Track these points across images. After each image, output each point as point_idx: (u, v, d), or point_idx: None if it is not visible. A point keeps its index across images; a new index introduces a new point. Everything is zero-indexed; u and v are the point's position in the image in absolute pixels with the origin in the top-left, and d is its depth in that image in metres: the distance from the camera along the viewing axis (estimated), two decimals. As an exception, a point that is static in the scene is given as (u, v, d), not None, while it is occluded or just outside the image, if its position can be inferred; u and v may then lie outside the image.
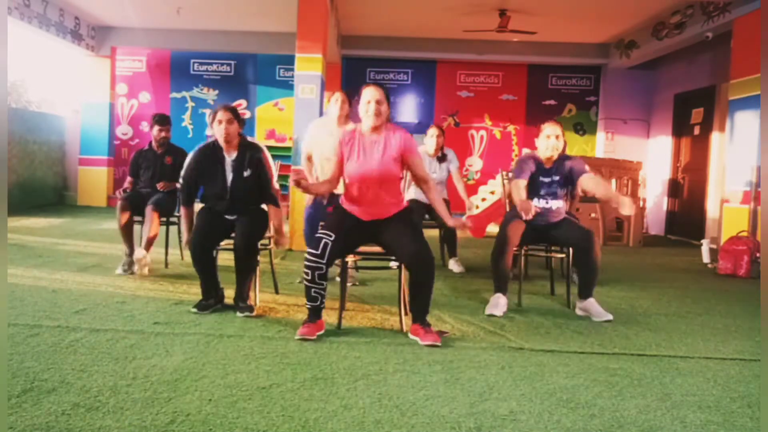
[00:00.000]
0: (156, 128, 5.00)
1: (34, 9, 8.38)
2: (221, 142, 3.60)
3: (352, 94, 4.25)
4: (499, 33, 8.82)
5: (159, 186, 4.85)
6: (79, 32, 9.82)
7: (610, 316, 3.66)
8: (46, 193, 10.30)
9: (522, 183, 3.90)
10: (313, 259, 3.08)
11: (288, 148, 7.88)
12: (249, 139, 3.75)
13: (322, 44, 6.67)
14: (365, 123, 3.21)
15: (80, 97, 10.81)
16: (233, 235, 3.58)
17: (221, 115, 3.56)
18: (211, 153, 3.64)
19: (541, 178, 3.92)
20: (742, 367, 2.86)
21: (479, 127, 11.07)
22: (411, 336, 3.12)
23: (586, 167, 3.93)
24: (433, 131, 5.47)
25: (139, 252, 4.55)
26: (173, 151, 5.06)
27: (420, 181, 3.32)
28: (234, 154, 3.63)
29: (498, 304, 3.74)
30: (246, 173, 3.60)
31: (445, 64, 10.91)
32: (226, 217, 3.66)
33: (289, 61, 9.06)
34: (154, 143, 5.04)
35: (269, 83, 10.96)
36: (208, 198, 3.69)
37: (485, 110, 11.03)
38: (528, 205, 3.64)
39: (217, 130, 3.57)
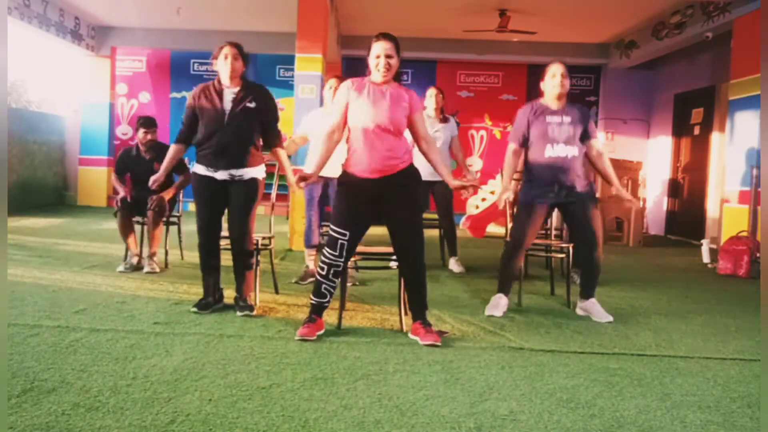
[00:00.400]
0: (141, 131, 4.92)
1: (34, 9, 8.38)
2: (225, 78, 3.47)
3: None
4: (499, 33, 8.82)
5: (152, 202, 4.71)
6: (79, 32, 9.82)
7: (610, 318, 3.65)
8: (46, 193, 10.29)
9: (513, 147, 3.76)
10: (332, 257, 3.09)
11: (288, 148, 7.87)
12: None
13: (322, 44, 6.67)
14: (374, 76, 3.17)
15: (80, 97, 10.81)
16: (229, 235, 3.55)
17: (227, 50, 3.46)
18: (208, 89, 3.52)
19: (549, 119, 3.65)
20: (742, 367, 2.86)
21: (479, 127, 11.07)
22: (411, 336, 3.12)
23: (597, 132, 3.76)
24: (431, 91, 5.33)
25: (148, 268, 4.64)
26: (162, 154, 4.95)
27: (421, 140, 3.24)
28: (235, 89, 3.48)
29: (498, 304, 3.74)
30: (251, 105, 3.44)
31: (445, 64, 10.90)
32: (218, 177, 3.45)
33: (289, 61, 9.05)
34: (141, 146, 4.96)
35: (269, 83, 10.86)
36: (203, 134, 3.44)
37: (485, 110, 11.03)
38: (503, 196, 3.71)
39: (222, 65, 3.46)
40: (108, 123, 10.58)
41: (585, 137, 3.72)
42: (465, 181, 3.31)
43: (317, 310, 3.17)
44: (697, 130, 9.17)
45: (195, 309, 3.50)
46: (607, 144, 10.62)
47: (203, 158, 3.48)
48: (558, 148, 3.61)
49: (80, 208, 10.15)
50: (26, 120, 9.72)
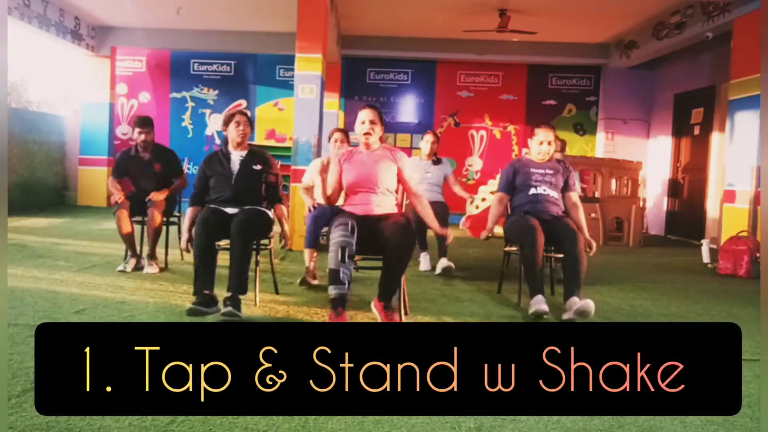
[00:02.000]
0: (136, 131, 4.92)
1: (34, 9, 8.39)
2: (234, 143, 3.81)
3: (348, 133, 4.89)
4: (499, 33, 8.83)
5: (152, 197, 4.72)
6: (79, 32, 9.82)
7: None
8: (46, 193, 10.30)
9: (499, 196, 4.13)
10: (342, 236, 3.17)
11: (288, 148, 7.87)
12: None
13: (322, 44, 6.67)
14: (360, 140, 3.55)
15: (80, 97, 10.81)
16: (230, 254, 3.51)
17: (239, 117, 3.82)
18: (216, 156, 3.86)
19: (533, 170, 4.02)
20: (742, 367, 2.85)
21: (479, 127, 11.08)
22: (373, 308, 3.33)
23: (578, 186, 4.14)
24: (428, 137, 5.67)
25: (149, 268, 4.65)
26: (161, 156, 4.96)
27: (411, 195, 3.64)
28: (242, 153, 3.82)
29: (541, 301, 3.63)
30: (256, 167, 3.78)
31: (445, 64, 10.91)
32: (228, 211, 3.63)
33: (289, 61, 9.06)
34: (139, 147, 4.95)
35: (269, 83, 10.96)
36: (214, 190, 3.75)
37: (485, 110, 11.03)
38: (484, 235, 4.05)
39: (234, 131, 3.80)
40: (108, 123, 10.57)
41: (564, 189, 4.04)
42: (445, 233, 3.67)
43: (340, 301, 3.15)
44: (697, 130, 9.17)
45: (190, 314, 3.36)
46: (607, 144, 10.64)
47: (214, 203, 3.73)
48: (541, 188, 3.97)
49: (80, 208, 10.15)
50: (26, 120, 9.72)
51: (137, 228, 4.85)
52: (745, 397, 2.45)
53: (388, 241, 3.24)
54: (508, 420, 2.13)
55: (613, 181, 8.21)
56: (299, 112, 6.59)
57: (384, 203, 3.49)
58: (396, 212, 3.52)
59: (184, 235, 3.68)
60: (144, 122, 4.96)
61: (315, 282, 4.37)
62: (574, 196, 4.07)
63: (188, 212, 3.78)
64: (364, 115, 3.53)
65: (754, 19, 6.43)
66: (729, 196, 6.85)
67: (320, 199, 4.45)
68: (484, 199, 8.20)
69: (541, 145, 4.00)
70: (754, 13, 6.51)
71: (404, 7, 8.47)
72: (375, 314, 3.41)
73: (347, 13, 8.85)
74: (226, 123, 3.84)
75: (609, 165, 8.31)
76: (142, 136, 4.91)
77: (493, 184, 8.18)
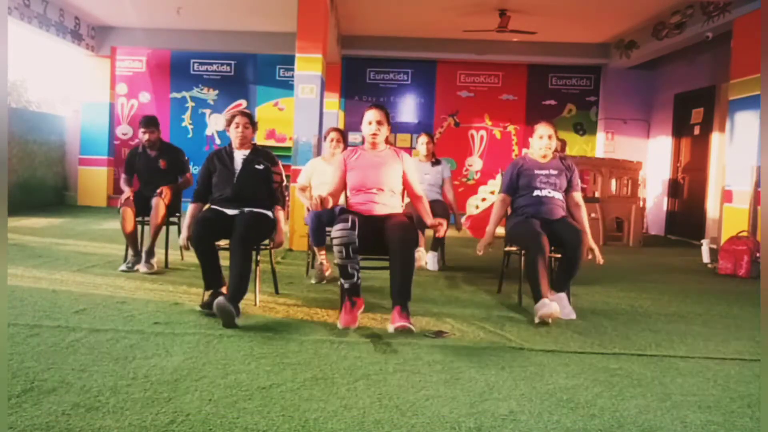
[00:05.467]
0: (141, 131, 4.95)
1: (34, 9, 8.38)
2: (236, 144, 3.80)
3: (345, 134, 4.89)
4: (499, 33, 8.82)
5: (160, 192, 4.74)
6: (79, 32, 9.82)
7: (573, 316, 3.66)
8: (46, 193, 10.29)
9: (501, 197, 4.11)
10: (345, 232, 3.18)
11: (288, 148, 7.87)
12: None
13: (322, 44, 6.67)
14: (366, 140, 3.56)
15: (80, 97, 10.81)
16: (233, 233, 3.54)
17: (239, 119, 3.79)
18: (220, 152, 3.85)
19: (537, 171, 3.98)
20: (742, 367, 2.86)
21: (479, 127, 11.07)
22: (390, 326, 3.17)
23: (580, 185, 4.10)
24: (423, 139, 5.76)
25: (143, 267, 4.64)
26: (167, 153, 5.02)
27: (413, 196, 3.66)
28: (245, 152, 3.81)
29: (550, 305, 3.49)
30: (259, 167, 3.77)
31: (445, 64, 10.90)
32: (229, 212, 3.64)
33: (289, 61, 9.06)
34: (145, 145, 4.99)
35: (269, 83, 10.96)
36: (216, 188, 3.75)
37: (485, 110, 11.03)
38: (485, 242, 3.97)
39: (233, 133, 3.79)
40: (108, 123, 10.57)
41: (568, 189, 4.02)
42: (436, 221, 3.52)
43: (353, 290, 3.28)
44: (697, 130, 9.17)
45: (200, 309, 3.46)
46: (607, 144, 10.64)
47: (216, 203, 3.74)
48: (544, 191, 3.95)
49: (80, 208, 10.15)
50: (26, 120, 9.72)
51: (139, 228, 4.87)
52: (745, 397, 2.45)
53: (391, 241, 3.24)
54: (508, 420, 2.14)
55: (613, 181, 8.20)
56: (299, 112, 6.59)
57: (389, 203, 3.50)
58: (399, 212, 3.52)
59: (184, 232, 3.68)
60: (148, 122, 4.98)
61: (329, 273, 4.62)
62: (578, 196, 4.04)
63: (189, 208, 3.78)
64: (371, 115, 3.51)
65: (754, 19, 6.43)
66: (729, 196, 6.85)
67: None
68: (484, 199, 8.22)
69: (541, 140, 3.97)
70: (754, 13, 6.51)
71: (404, 7, 8.47)
72: (392, 327, 3.15)
73: (347, 13, 8.85)
74: (228, 124, 3.84)
75: (609, 165, 8.31)
76: (146, 136, 4.94)
77: (493, 184, 8.19)
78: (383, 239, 3.31)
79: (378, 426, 2.05)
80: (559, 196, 3.95)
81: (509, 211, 4.18)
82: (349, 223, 3.21)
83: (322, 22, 6.72)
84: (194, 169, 9.97)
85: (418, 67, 10.91)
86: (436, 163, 5.70)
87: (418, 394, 2.35)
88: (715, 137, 8.57)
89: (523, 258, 3.84)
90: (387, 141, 3.62)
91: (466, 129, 11.06)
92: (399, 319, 3.13)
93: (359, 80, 10.89)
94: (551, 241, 3.75)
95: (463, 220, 8.24)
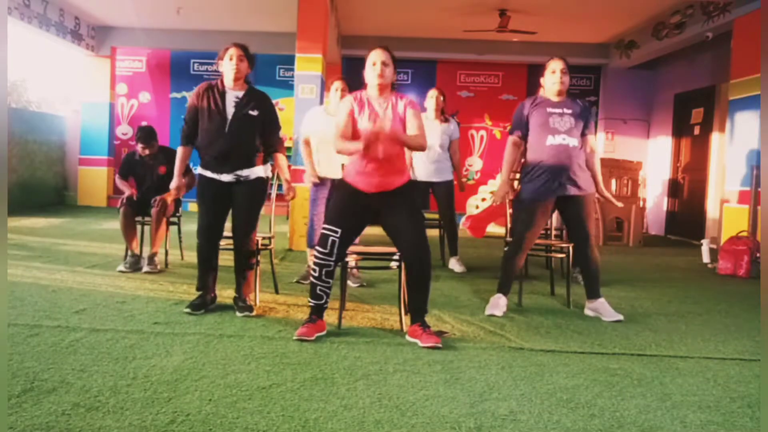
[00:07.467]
0: (139, 146, 4.87)
1: (34, 9, 8.38)
2: (229, 79, 3.43)
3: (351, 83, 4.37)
4: (499, 33, 8.83)
5: (156, 202, 4.69)
6: (79, 32, 9.82)
7: (620, 317, 3.63)
8: (46, 193, 10.30)
9: (512, 139, 3.80)
10: (322, 257, 3.09)
11: (288, 148, 7.87)
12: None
13: (322, 44, 6.67)
14: (371, 84, 3.21)
15: (80, 97, 10.82)
16: (233, 234, 3.56)
17: (233, 51, 3.43)
18: (212, 88, 3.47)
19: (549, 110, 3.68)
20: (742, 367, 2.86)
21: (479, 127, 11.07)
22: (409, 338, 3.09)
23: (593, 128, 3.84)
24: (432, 93, 5.37)
25: (146, 267, 4.62)
26: (165, 158, 4.87)
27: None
28: (239, 93, 3.46)
29: (498, 304, 3.73)
30: (253, 112, 3.43)
31: (445, 64, 10.91)
32: (223, 179, 3.45)
33: (289, 61, 9.06)
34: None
35: (269, 83, 10.94)
36: (205, 135, 3.43)
37: (485, 110, 11.03)
38: (501, 192, 3.76)
39: (227, 66, 3.42)
40: (108, 123, 10.58)
41: (582, 132, 3.75)
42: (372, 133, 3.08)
43: (317, 311, 3.16)
44: (697, 130, 9.17)
45: (188, 309, 3.45)
46: (607, 144, 10.63)
47: (207, 164, 3.49)
48: (559, 137, 3.63)
49: (80, 208, 10.15)
50: (26, 120, 9.72)
51: (138, 228, 4.88)
52: (745, 397, 2.45)
53: (409, 261, 3.10)
54: (508, 420, 2.14)
55: (613, 181, 8.20)
56: (299, 112, 6.59)
57: (395, 164, 3.14)
58: (405, 179, 3.21)
59: (175, 181, 3.64)
60: (146, 137, 4.87)
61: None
62: (592, 139, 3.80)
63: (179, 152, 3.58)
64: (376, 55, 3.18)
65: (754, 19, 6.42)
66: (729, 196, 6.84)
67: (319, 156, 4.36)
68: (484, 199, 8.21)
69: (554, 74, 3.69)
70: (754, 13, 6.51)
71: (404, 7, 8.47)
72: (414, 341, 3.03)
73: (347, 13, 8.85)
74: (221, 57, 3.46)
75: (609, 165, 8.30)
76: (147, 151, 4.89)
77: (493, 184, 8.18)
78: (384, 215, 3.12)
79: (378, 426, 2.05)
80: (575, 142, 3.64)
81: (523, 161, 3.86)
82: (328, 247, 3.07)
83: (322, 22, 6.73)
84: (194, 170, 9.96)
85: (418, 67, 10.91)
86: (446, 120, 5.33)
87: (418, 394, 2.35)
88: (715, 137, 8.57)
89: (505, 249, 3.92)
90: (393, 85, 3.26)
91: (466, 129, 11.04)
92: (427, 338, 2.99)
93: (359, 80, 10.85)
94: (564, 219, 3.80)
95: (463, 220, 8.25)
